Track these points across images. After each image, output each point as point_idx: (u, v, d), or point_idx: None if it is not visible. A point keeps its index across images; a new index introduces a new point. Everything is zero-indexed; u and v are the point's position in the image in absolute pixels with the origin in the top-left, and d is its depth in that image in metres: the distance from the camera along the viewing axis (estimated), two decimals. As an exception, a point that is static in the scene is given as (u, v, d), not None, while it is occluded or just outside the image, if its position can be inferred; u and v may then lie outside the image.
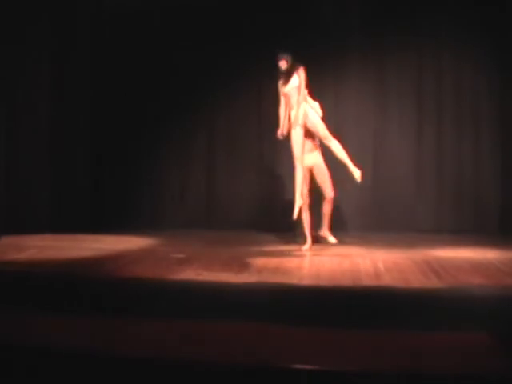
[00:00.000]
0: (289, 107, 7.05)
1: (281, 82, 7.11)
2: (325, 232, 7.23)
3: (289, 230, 8.48)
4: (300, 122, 6.95)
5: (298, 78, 6.97)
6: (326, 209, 7.15)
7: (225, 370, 3.33)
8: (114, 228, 8.69)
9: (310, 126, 7.02)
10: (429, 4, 8.91)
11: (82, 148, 9.37)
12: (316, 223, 7.16)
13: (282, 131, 7.08)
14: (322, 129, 7.01)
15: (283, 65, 7.02)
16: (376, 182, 9.05)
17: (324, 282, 5.19)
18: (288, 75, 7.03)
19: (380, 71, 9.18)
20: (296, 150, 6.98)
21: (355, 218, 9.02)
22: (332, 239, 7.20)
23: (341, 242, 7.46)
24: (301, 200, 6.92)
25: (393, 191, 9.05)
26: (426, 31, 8.94)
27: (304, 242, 7.04)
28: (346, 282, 5.14)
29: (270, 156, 9.37)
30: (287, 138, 7.08)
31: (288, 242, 7.68)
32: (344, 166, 6.99)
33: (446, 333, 3.91)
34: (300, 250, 6.91)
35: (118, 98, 9.60)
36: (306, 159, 7.04)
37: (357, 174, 6.98)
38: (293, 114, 7.00)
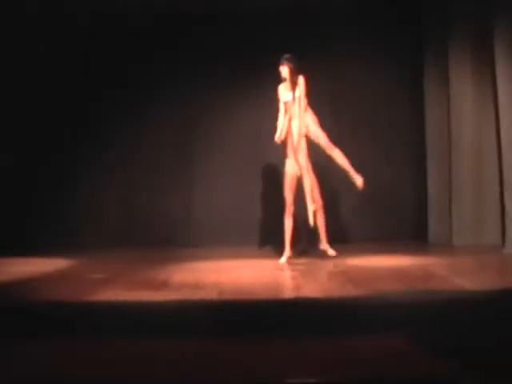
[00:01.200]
0: (289, 116, 7.06)
1: (281, 89, 7.12)
2: (324, 245, 7.23)
3: (206, 245, 8.51)
4: (303, 132, 6.99)
5: (299, 88, 7.00)
6: (320, 219, 7.13)
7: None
8: (29, 249, 8.45)
9: (312, 136, 7.09)
10: (347, 22, 9.10)
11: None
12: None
13: (280, 137, 7.03)
14: (323, 139, 7.10)
15: (284, 71, 7.05)
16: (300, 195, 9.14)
17: (244, 295, 5.20)
18: (289, 83, 7.05)
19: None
20: (301, 159, 6.98)
21: (274, 230, 9.07)
22: (331, 252, 7.18)
23: (262, 255, 7.52)
24: (313, 205, 6.91)
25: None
26: (344, 45, 9.12)
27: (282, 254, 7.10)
28: (265, 295, 5.17)
29: (187, 170, 9.34)
30: (283, 143, 7.11)
31: (206, 257, 7.68)
32: (346, 174, 7.16)
33: (363, 339, 3.97)
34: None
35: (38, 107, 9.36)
36: (294, 167, 7.06)
37: (358, 181, 7.13)
38: (294, 124, 7.02)
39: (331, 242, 7.71)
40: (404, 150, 9.25)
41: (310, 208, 6.90)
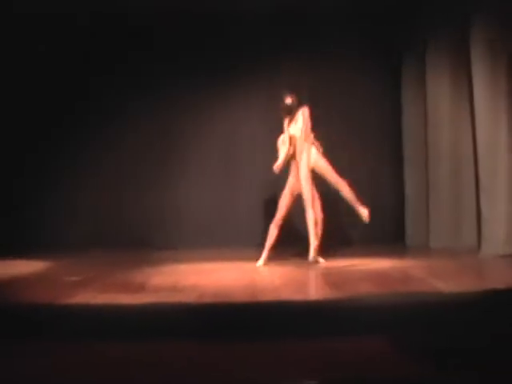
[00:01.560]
0: (294, 148, 6.99)
1: (286, 122, 7.04)
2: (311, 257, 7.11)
3: (183, 248, 8.48)
4: (306, 167, 6.94)
5: (302, 119, 6.92)
6: (317, 230, 7.09)
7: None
8: (5, 251, 8.35)
9: (318, 171, 7.06)
10: (320, 20, 9.11)
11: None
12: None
13: (279, 167, 6.99)
14: (330, 173, 7.08)
15: (289, 102, 6.97)
16: (273, 198, 9.14)
17: (223, 298, 5.18)
18: (293, 115, 6.97)
19: (272, 89, 9.29)
20: (306, 193, 6.91)
21: (253, 232, 9.09)
22: (321, 260, 7.14)
23: (240, 257, 7.50)
24: (315, 241, 6.85)
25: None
26: (317, 45, 9.14)
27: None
28: (244, 297, 5.15)
29: (164, 172, 9.31)
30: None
31: (185, 259, 7.65)
32: (352, 207, 7.10)
33: (343, 341, 3.97)
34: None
35: (12, 110, 9.26)
36: (293, 186, 7.04)
37: (364, 214, 7.05)
38: (301, 158, 6.96)
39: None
40: (382, 152, 9.29)
41: (313, 244, 6.85)
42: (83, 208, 9.39)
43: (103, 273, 6.70)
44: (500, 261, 6.97)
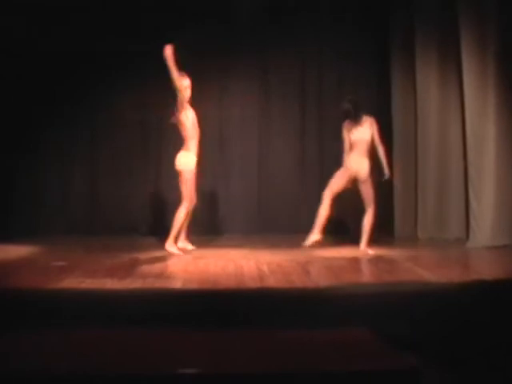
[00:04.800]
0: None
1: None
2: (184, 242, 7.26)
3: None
4: None
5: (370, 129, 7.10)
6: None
7: (110, 378, 3.27)
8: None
9: None
10: (311, 9, 9.09)
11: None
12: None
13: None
14: None
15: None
16: (260, 185, 9.15)
17: (209, 285, 5.18)
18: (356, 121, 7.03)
19: (263, 75, 9.28)
20: None
21: (239, 220, 9.09)
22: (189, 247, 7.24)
23: (225, 244, 7.50)
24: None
25: (277, 193, 9.17)
26: (308, 35, 9.17)
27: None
28: (230, 284, 5.15)
29: (152, 161, 9.29)
30: None
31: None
32: None
33: (329, 331, 3.98)
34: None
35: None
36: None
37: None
38: None
39: (299, 231, 7.78)
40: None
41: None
42: (72, 194, 9.37)
43: (90, 258, 6.70)
44: (487, 252, 7.01)
